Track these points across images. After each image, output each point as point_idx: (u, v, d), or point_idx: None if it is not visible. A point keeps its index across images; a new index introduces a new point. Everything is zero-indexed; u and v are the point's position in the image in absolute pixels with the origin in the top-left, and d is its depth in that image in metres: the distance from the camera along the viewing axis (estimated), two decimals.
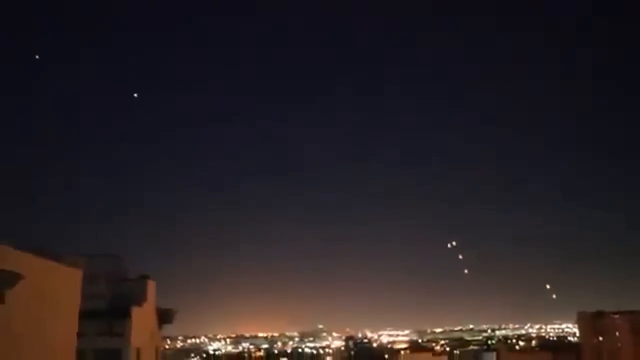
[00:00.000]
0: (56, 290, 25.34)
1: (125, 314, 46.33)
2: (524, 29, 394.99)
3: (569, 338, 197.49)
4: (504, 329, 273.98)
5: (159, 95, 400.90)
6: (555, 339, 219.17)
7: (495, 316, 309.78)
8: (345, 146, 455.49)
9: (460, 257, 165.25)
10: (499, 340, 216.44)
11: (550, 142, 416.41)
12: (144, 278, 52.01)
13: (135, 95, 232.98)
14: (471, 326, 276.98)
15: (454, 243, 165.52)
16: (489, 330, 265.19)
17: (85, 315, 29.86)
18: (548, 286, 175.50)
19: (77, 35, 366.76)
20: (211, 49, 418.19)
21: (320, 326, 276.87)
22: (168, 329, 60.46)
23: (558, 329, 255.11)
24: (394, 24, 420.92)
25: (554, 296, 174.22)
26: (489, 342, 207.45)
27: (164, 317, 54.91)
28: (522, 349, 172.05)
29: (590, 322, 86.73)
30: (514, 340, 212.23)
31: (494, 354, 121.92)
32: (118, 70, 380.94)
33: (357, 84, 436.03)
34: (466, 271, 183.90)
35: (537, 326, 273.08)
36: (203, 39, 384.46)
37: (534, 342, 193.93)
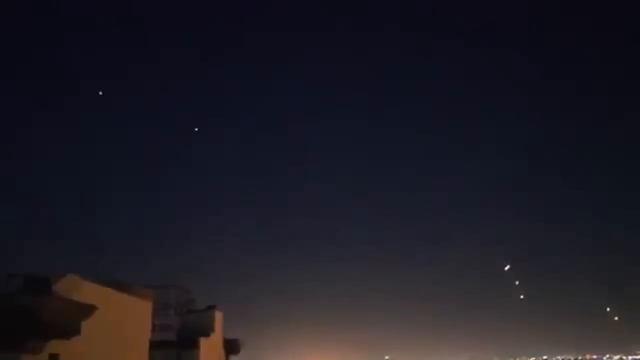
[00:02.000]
0: (128, 321, 25.98)
1: (194, 345, 46.79)
2: None
3: None
4: (581, 359, 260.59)
5: (228, 129, 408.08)
6: None
7: (568, 345, 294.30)
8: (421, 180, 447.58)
9: (517, 282, 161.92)
10: None
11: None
12: (211, 309, 52.54)
13: (196, 129, 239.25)
14: (545, 357, 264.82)
15: (508, 266, 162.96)
16: None
17: (154, 345, 30.43)
18: (608, 309, 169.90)
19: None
20: None
21: (387, 357, 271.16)
22: None
23: None
24: None
25: (616, 318, 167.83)
26: None
27: (231, 347, 55.13)
28: None
29: None
30: None
31: None
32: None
33: None
34: (522, 297, 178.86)
35: (617, 357, 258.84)
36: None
37: None
